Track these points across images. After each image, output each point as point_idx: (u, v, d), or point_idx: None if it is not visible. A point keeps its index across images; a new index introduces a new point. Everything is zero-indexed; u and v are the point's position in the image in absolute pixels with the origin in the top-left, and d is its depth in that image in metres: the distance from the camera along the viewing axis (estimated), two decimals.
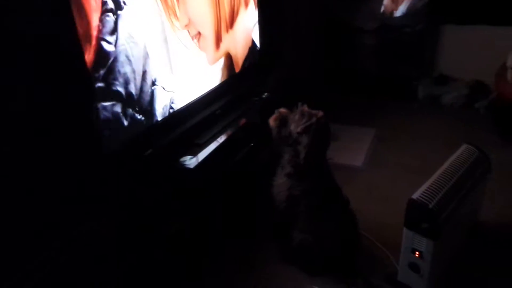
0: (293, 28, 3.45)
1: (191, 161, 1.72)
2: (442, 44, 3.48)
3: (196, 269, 1.78)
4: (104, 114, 1.43)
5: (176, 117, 1.84)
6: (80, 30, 1.28)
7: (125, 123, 1.55)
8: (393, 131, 2.98)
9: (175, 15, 1.72)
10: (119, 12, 1.42)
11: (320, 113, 1.63)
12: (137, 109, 1.60)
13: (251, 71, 2.54)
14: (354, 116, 3.24)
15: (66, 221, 1.35)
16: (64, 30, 1.25)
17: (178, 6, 1.72)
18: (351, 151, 2.73)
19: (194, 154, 1.79)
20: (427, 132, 2.94)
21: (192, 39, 1.87)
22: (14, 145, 1.19)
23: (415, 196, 1.47)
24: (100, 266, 1.45)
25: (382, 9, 3.45)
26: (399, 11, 3.40)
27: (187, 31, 1.82)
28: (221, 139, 1.98)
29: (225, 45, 2.16)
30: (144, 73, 1.61)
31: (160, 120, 1.73)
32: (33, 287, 1.23)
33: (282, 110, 1.70)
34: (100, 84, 1.38)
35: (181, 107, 1.86)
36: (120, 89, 1.49)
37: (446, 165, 1.64)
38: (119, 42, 1.44)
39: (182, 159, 1.74)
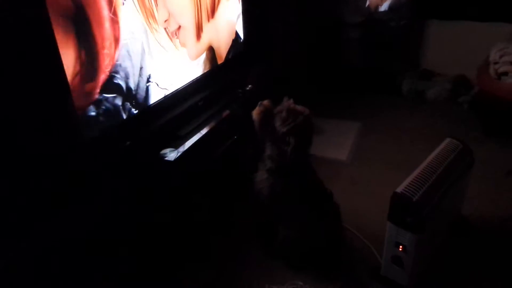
0: (277, 20, 3.42)
1: (171, 154, 1.67)
2: (426, 39, 3.49)
3: (176, 267, 1.74)
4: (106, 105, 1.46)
5: (157, 108, 1.79)
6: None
7: (124, 116, 1.59)
8: (378, 125, 2.98)
9: (153, 16, 1.66)
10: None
11: (307, 111, 1.59)
12: (133, 103, 1.62)
13: (235, 63, 2.49)
14: (339, 110, 3.23)
15: (43, 213, 1.30)
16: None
17: (156, 3, 1.66)
18: (336, 145, 2.71)
19: (175, 146, 1.74)
20: (411, 126, 2.94)
21: (172, 36, 1.82)
22: None
23: (399, 189, 1.45)
24: (75, 261, 1.40)
25: (367, 3, 3.43)
26: (384, 5, 3.39)
27: (164, 30, 1.76)
28: (204, 131, 1.94)
29: (207, 36, 2.11)
30: (141, 69, 1.63)
31: (139, 111, 1.67)
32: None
33: (266, 103, 1.65)
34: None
35: (161, 98, 1.81)
36: (121, 82, 1.51)
37: (429, 158, 1.63)
38: (122, 36, 1.47)
39: (163, 151, 1.69)
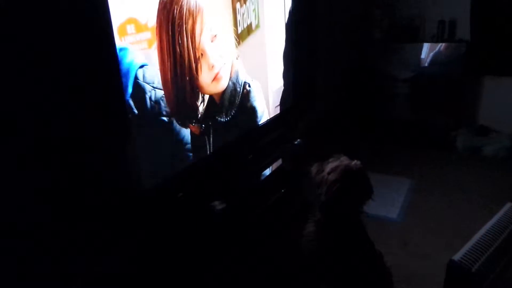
0: (326, 75, 3.50)
1: (221, 206, 1.71)
2: (482, 94, 3.40)
3: None
4: None
5: (208, 161, 1.85)
6: None
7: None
8: (431, 182, 2.87)
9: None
10: None
11: (356, 161, 1.59)
12: None
13: (284, 116, 2.55)
14: (389, 166, 3.16)
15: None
16: None
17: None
18: (386, 202, 2.63)
19: (224, 199, 1.78)
20: (466, 185, 2.80)
21: None
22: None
23: (456, 257, 1.37)
24: None
25: (421, 58, 3.43)
26: (436, 60, 3.38)
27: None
28: (253, 184, 1.97)
29: None
30: None
31: (192, 165, 1.74)
32: None
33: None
34: None
35: (213, 151, 1.87)
36: None
37: (489, 224, 1.54)
38: None
39: (213, 203, 1.73)
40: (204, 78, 1.70)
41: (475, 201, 2.55)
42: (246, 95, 2.00)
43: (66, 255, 1.30)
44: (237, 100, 1.93)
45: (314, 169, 1.64)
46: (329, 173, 1.56)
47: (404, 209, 2.55)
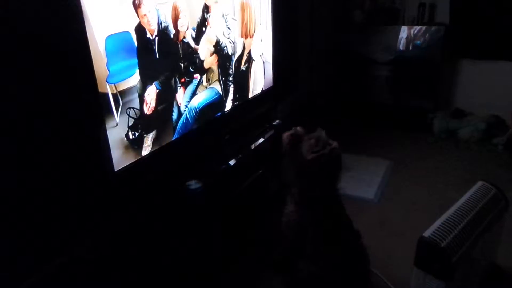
0: (308, 57, 3.49)
1: (196, 186, 1.70)
2: (459, 78, 3.44)
3: None
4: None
5: (183, 140, 1.83)
6: None
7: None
8: (408, 164, 2.91)
9: None
10: None
11: (335, 144, 1.58)
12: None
13: (264, 97, 2.53)
14: (368, 147, 3.19)
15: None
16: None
17: None
18: (364, 183, 2.67)
19: (200, 178, 1.77)
20: (442, 166, 2.86)
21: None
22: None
23: (426, 234, 1.40)
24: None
25: (400, 41, 3.44)
26: (415, 44, 3.39)
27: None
28: (229, 164, 1.96)
29: None
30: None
31: (167, 143, 1.71)
32: None
33: (298, 129, 1.65)
34: None
35: (188, 130, 1.85)
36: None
37: (460, 202, 1.57)
38: None
39: (188, 183, 1.71)
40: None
41: (450, 182, 2.60)
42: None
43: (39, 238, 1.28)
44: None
45: (287, 139, 1.61)
46: (310, 161, 1.54)
47: (381, 190, 2.58)
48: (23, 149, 1.19)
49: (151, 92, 1.52)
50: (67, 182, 1.30)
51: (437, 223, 1.45)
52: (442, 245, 1.36)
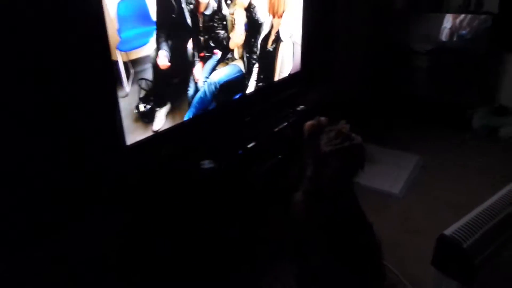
0: (344, 43, 3.35)
1: (209, 165, 1.66)
2: (504, 72, 3.19)
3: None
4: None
5: (200, 118, 1.79)
6: None
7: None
8: (440, 160, 2.75)
9: None
10: None
11: (358, 139, 1.48)
12: None
13: (291, 80, 2.45)
14: (401, 141, 3.04)
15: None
16: None
17: None
18: (390, 177, 2.54)
19: (216, 159, 1.72)
20: (478, 166, 2.67)
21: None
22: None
23: (447, 232, 1.29)
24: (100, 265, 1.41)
25: (443, 30, 3.23)
26: (459, 34, 3.17)
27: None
28: (247, 148, 1.90)
29: None
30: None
31: (186, 121, 1.68)
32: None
33: (322, 118, 1.56)
34: None
35: (205, 108, 1.81)
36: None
37: (489, 202, 1.44)
38: None
39: (202, 162, 1.67)
40: None
41: (484, 182, 2.43)
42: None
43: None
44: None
45: (307, 128, 1.53)
46: (327, 154, 1.45)
47: (407, 185, 2.45)
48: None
49: (165, 63, 1.48)
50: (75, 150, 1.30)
51: (461, 221, 1.34)
52: (464, 245, 1.25)
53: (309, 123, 1.56)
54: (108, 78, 1.27)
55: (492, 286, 1.41)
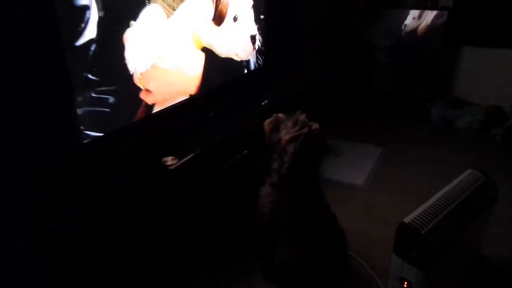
0: (307, 40, 3.38)
1: (172, 162, 1.63)
2: (460, 65, 3.33)
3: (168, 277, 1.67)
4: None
5: (164, 115, 1.76)
6: None
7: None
8: (401, 151, 2.83)
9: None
10: None
11: (315, 125, 1.51)
12: None
13: (255, 76, 2.45)
14: (362, 133, 3.11)
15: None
16: None
17: None
18: (354, 169, 2.59)
19: (179, 155, 1.70)
20: (437, 156, 2.77)
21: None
22: None
23: (407, 219, 1.33)
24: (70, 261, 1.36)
25: (402, 26, 3.32)
26: (417, 29, 3.28)
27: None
28: (211, 142, 1.89)
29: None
30: None
31: (145, 116, 1.64)
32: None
33: (280, 115, 1.59)
34: None
35: (170, 105, 1.78)
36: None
37: (446, 189, 1.50)
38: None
39: (164, 159, 1.64)
40: None
41: (444, 172, 2.51)
42: None
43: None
44: None
45: (267, 126, 1.56)
46: (287, 142, 1.47)
47: (371, 176, 2.51)
48: None
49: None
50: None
51: (420, 209, 1.39)
52: (423, 232, 1.29)
53: (267, 121, 1.59)
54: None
55: (449, 271, 1.47)
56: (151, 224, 1.58)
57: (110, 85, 1.46)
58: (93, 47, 1.35)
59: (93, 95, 1.40)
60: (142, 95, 1.63)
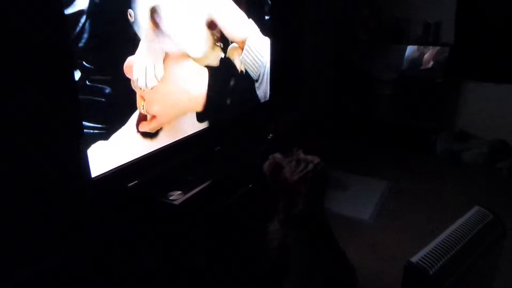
0: (311, 74, 3.44)
1: (178, 197, 1.63)
2: (464, 99, 3.36)
3: None
4: None
5: (171, 149, 1.78)
6: None
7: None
8: (407, 185, 2.82)
9: None
10: None
11: (316, 159, 1.53)
12: None
13: (260, 110, 2.48)
14: (368, 167, 3.11)
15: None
16: None
17: None
18: (359, 203, 2.58)
19: (184, 190, 1.70)
20: (442, 190, 2.75)
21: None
22: None
23: (414, 259, 1.31)
24: None
25: (404, 60, 3.38)
26: (420, 63, 3.33)
27: None
28: (216, 177, 1.89)
29: None
30: None
31: (153, 151, 1.66)
32: None
33: (277, 155, 1.61)
34: None
35: (176, 140, 1.80)
36: None
37: (453, 227, 1.47)
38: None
39: (170, 193, 1.65)
40: None
41: (450, 207, 2.50)
42: None
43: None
44: None
45: (267, 168, 1.57)
46: (296, 182, 1.48)
47: (376, 211, 2.49)
48: None
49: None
50: None
51: (427, 248, 1.36)
52: (431, 272, 1.27)
53: (267, 163, 1.60)
54: None
55: None
56: (155, 260, 1.57)
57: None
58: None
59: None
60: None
